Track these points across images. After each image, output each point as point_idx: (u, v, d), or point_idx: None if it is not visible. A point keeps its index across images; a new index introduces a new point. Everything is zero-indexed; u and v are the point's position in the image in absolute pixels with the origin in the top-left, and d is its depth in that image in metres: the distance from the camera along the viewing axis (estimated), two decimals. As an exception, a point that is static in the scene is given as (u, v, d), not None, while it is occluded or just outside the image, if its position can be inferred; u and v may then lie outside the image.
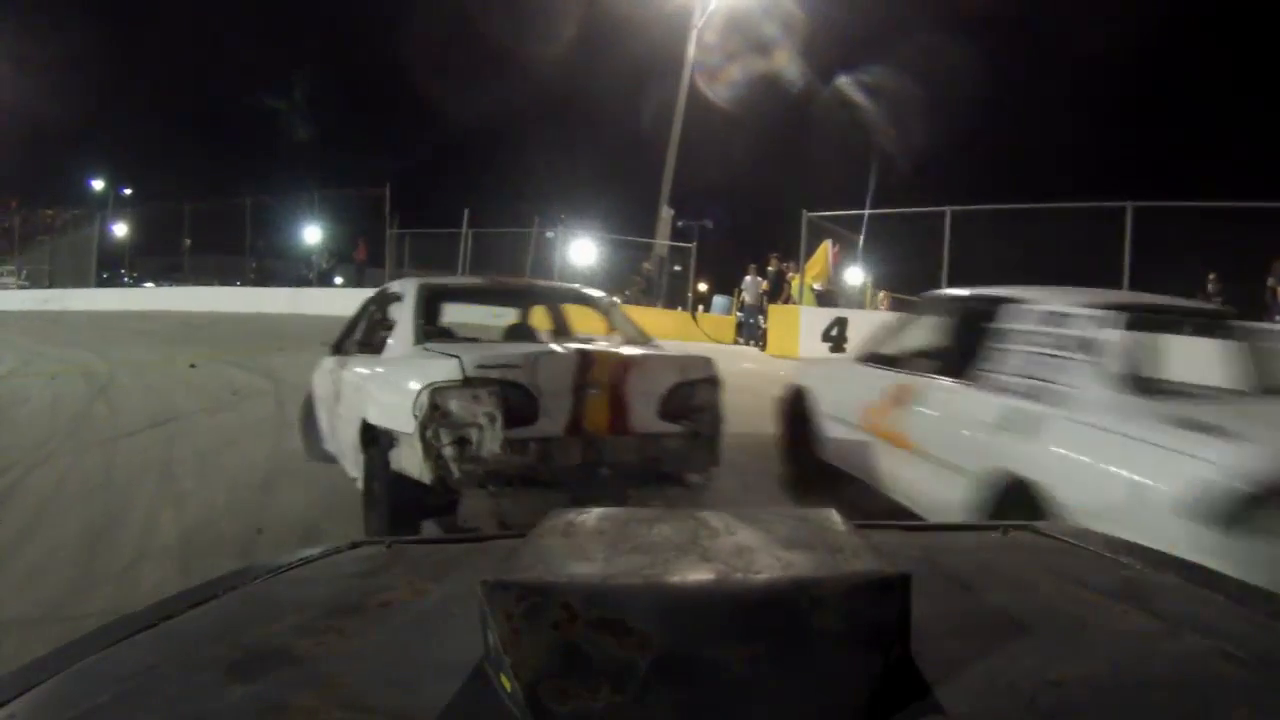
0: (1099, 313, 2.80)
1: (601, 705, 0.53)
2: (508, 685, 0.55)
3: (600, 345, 3.61)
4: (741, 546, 0.65)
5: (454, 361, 3.00)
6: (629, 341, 3.93)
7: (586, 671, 0.54)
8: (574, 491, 2.98)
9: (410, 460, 3.02)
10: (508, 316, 4.90)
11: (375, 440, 3.26)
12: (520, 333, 4.40)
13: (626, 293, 15.37)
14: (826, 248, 13.23)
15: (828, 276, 13.39)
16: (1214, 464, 2.05)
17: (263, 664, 0.67)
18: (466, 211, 17.64)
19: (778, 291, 14.32)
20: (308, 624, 0.76)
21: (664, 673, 0.54)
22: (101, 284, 26.63)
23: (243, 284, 22.81)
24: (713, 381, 3.43)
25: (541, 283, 5.89)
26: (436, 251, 18.08)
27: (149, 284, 27.24)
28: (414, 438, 2.96)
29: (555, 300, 4.74)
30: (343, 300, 14.00)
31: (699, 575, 0.59)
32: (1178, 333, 3.71)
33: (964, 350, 3.35)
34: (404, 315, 3.69)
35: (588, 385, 3.13)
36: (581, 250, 17.28)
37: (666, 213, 16.36)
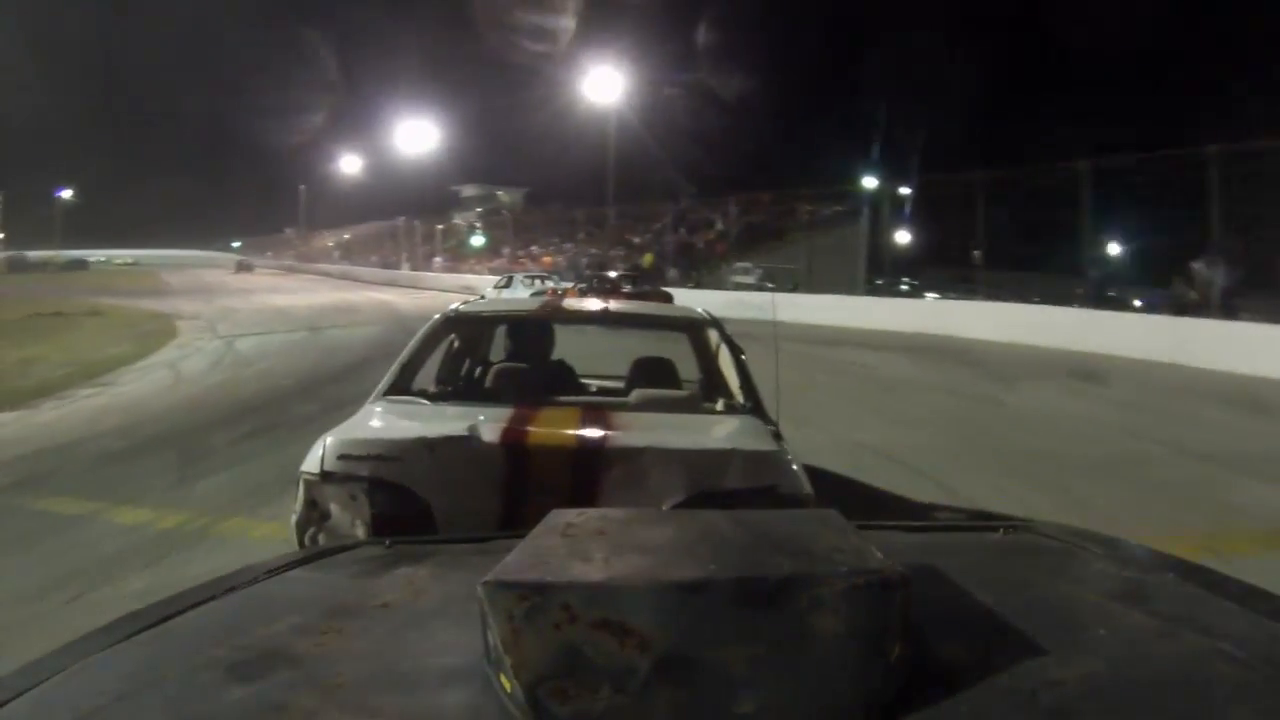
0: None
1: (602, 706, 0.53)
2: (508, 686, 0.55)
3: (584, 413, 2.43)
4: (742, 547, 0.65)
5: (321, 444, 2.15)
6: (694, 404, 2.78)
7: (587, 672, 0.54)
8: None
9: None
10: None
11: None
12: (540, 378, 3.06)
13: None
14: None
15: None
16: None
17: (263, 664, 0.67)
18: None
19: None
20: (308, 624, 0.76)
21: (664, 673, 0.54)
22: (873, 291, 21.75)
23: (1043, 300, 15.98)
24: (773, 493, 2.10)
25: (634, 308, 3.62)
26: None
27: (932, 295, 20.61)
28: (292, 538, 2.16)
29: (656, 328, 3.47)
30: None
31: (699, 575, 0.59)
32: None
33: None
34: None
35: (529, 490, 2.11)
36: None
37: None
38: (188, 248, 76.86)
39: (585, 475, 2.13)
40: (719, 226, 28.20)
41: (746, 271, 23.97)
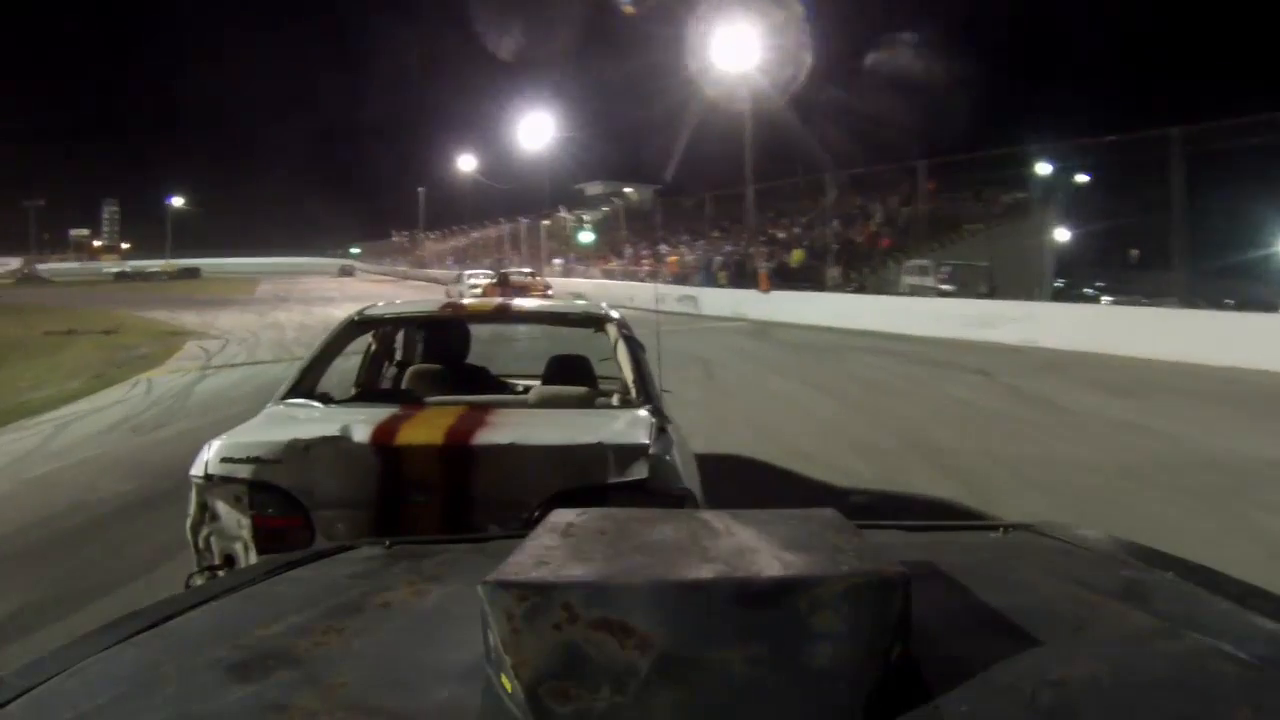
0: None
1: (602, 706, 0.53)
2: (508, 686, 0.55)
3: (461, 412, 2.44)
4: (741, 546, 0.65)
5: (207, 448, 2.23)
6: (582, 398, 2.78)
7: (587, 672, 0.54)
8: None
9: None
10: None
11: None
12: (450, 379, 3.12)
13: None
14: None
15: None
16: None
17: (263, 664, 0.67)
18: None
19: None
20: (308, 624, 0.76)
21: (664, 673, 0.54)
22: (1058, 296, 18.24)
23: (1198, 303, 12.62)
24: (645, 488, 2.13)
25: (533, 306, 4.11)
26: None
27: (1107, 299, 17.31)
28: (188, 540, 2.27)
29: (559, 324, 3.55)
30: None
31: (699, 575, 0.59)
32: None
33: None
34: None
35: (403, 491, 2.17)
36: None
37: None
38: (307, 254, 77.46)
39: (453, 473, 2.18)
40: (877, 217, 22.55)
41: (923, 271, 18.27)
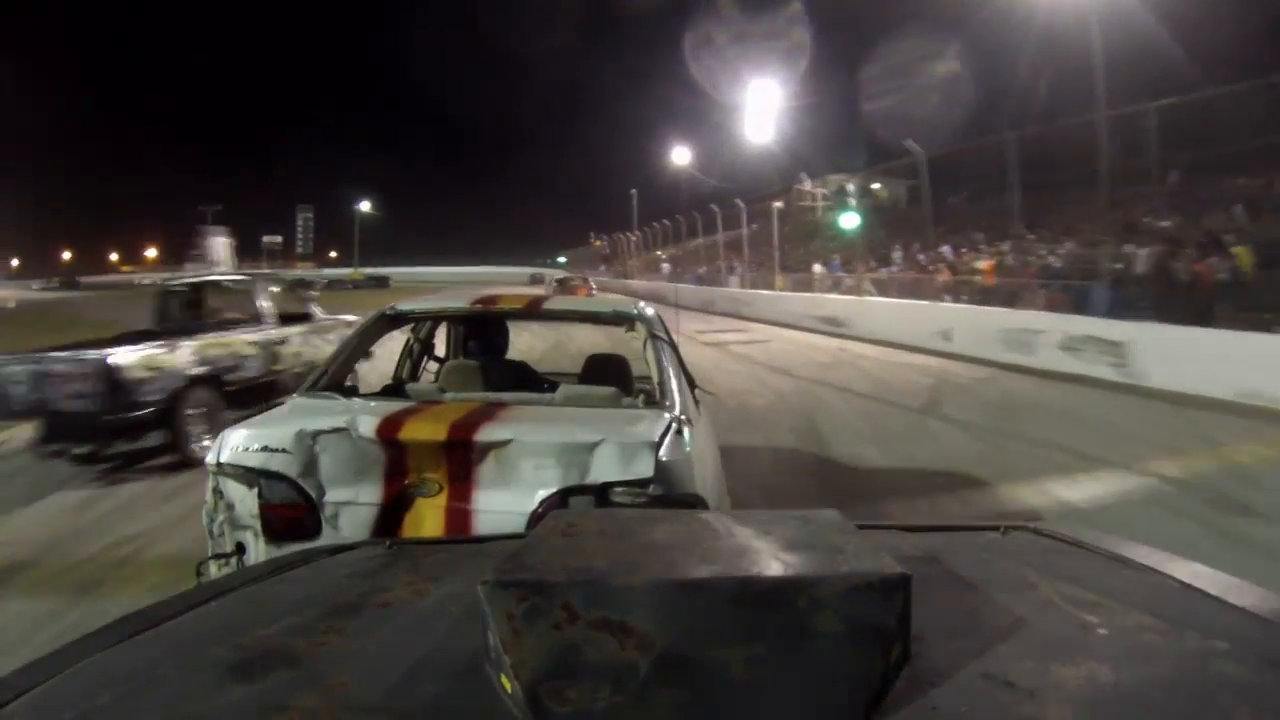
0: None
1: (602, 705, 0.53)
2: (508, 686, 0.55)
3: (473, 407, 2.40)
4: (742, 547, 0.65)
5: (222, 436, 2.29)
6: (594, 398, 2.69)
7: (587, 672, 0.54)
8: None
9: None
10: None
11: None
12: (491, 374, 3.12)
13: None
14: None
15: None
16: None
17: (263, 664, 0.67)
18: None
19: None
20: (308, 624, 0.76)
21: (664, 673, 0.54)
22: None
23: None
24: (647, 486, 2.10)
25: (566, 304, 3.81)
26: None
27: None
28: (203, 525, 2.32)
29: (589, 323, 3.48)
30: None
31: (699, 575, 0.59)
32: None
33: None
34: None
35: (405, 484, 2.19)
36: None
37: None
38: (513, 263, 75.95)
39: (454, 467, 2.19)
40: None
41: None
